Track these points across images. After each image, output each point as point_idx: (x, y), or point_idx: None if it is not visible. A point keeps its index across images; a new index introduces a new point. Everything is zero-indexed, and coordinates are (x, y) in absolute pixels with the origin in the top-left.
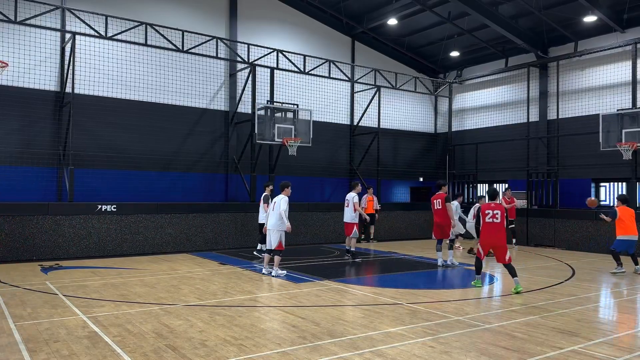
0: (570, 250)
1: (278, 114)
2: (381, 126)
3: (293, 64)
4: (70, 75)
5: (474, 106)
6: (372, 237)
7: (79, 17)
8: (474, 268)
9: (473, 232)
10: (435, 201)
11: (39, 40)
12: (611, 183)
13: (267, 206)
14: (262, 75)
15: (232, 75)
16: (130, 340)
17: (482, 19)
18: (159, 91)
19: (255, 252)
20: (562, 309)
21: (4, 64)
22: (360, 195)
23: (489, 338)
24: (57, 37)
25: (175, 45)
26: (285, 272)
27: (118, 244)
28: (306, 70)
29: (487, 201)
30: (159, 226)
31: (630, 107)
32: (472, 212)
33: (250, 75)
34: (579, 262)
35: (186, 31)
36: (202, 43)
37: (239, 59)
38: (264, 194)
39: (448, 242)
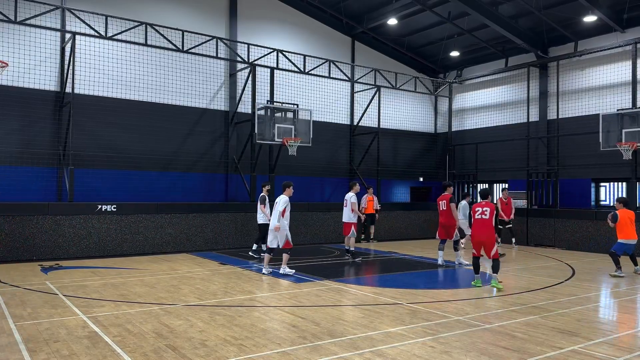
0: (570, 250)
1: (278, 114)
2: (381, 126)
3: (293, 64)
4: (70, 75)
5: (474, 106)
6: (372, 237)
7: (79, 17)
8: (468, 269)
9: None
10: (440, 202)
11: (39, 40)
12: (611, 183)
13: (264, 207)
14: (262, 75)
15: (232, 75)
16: (131, 340)
17: (482, 19)
18: (159, 91)
19: (250, 253)
20: (562, 308)
21: (4, 64)
22: (359, 195)
23: (489, 338)
24: (57, 37)
25: (175, 45)
26: (293, 271)
27: (118, 244)
28: (306, 70)
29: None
30: (159, 226)
31: (630, 107)
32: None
33: (250, 75)
34: (579, 262)
35: (186, 31)
36: (202, 43)
37: (239, 59)
38: (261, 194)
39: (453, 242)
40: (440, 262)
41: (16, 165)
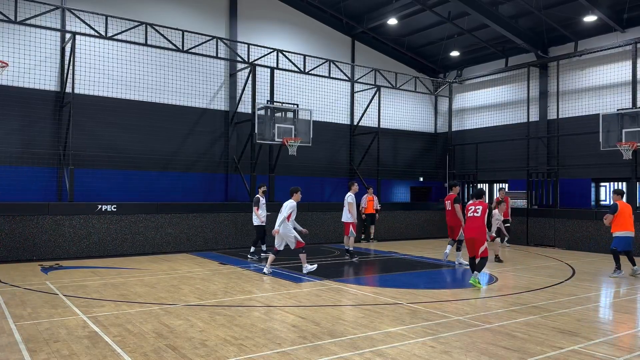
0: (571, 250)
1: (278, 114)
2: (381, 126)
3: (293, 63)
4: (70, 75)
5: (474, 106)
6: (372, 237)
7: (79, 17)
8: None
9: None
10: (446, 202)
11: (39, 40)
12: (611, 183)
13: (257, 209)
14: (262, 75)
15: (232, 75)
16: (131, 340)
17: (482, 19)
18: (159, 91)
19: (248, 256)
20: (563, 308)
21: (4, 64)
22: (359, 194)
23: (489, 338)
24: (57, 37)
25: (175, 45)
26: (315, 266)
27: (118, 244)
28: (306, 70)
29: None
30: (159, 226)
31: (630, 106)
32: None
33: (250, 75)
34: (579, 261)
35: (186, 31)
36: (202, 43)
37: (239, 58)
38: (256, 196)
39: (456, 242)
40: (444, 258)
41: (16, 165)
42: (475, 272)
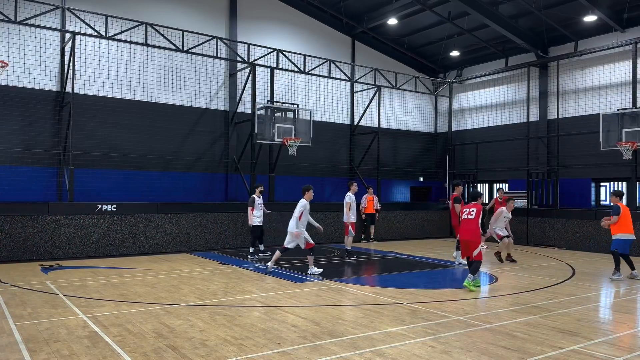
0: (571, 250)
1: (278, 114)
2: (381, 126)
3: (293, 63)
4: (70, 75)
5: (474, 106)
6: (372, 236)
7: (79, 17)
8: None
9: (500, 231)
10: (450, 202)
11: (39, 40)
12: (611, 183)
13: (253, 209)
14: (262, 75)
15: (232, 75)
16: (131, 340)
17: (482, 19)
18: (159, 91)
19: (248, 257)
20: (563, 308)
21: (4, 64)
22: (358, 194)
23: (489, 338)
24: (57, 37)
25: (175, 45)
26: (321, 270)
27: (118, 244)
28: (306, 70)
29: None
30: (159, 226)
31: (630, 106)
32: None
33: (250, 75)
34: (579, 261)
35: (186, 31)
36: (202, 43)
37: (239, 58)
38: (252, 196)
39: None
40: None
41: (16, 165)
42: (469, 275)
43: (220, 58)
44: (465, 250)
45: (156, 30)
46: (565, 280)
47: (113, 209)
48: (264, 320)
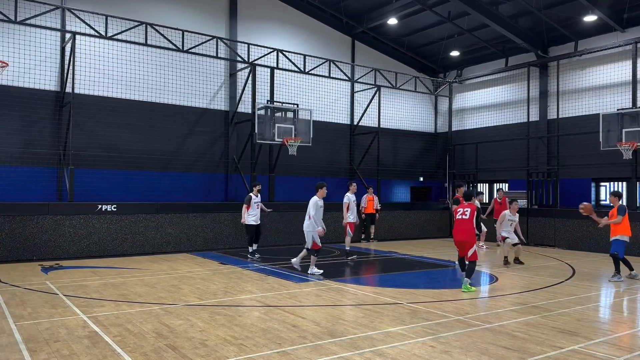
0: (571, 250)
1: (278, 114)
2: (381, 126)
3: (293, 63)
4: (70, 75)
5: (474, 106)
6: (372, 236)
7: (79, 17)
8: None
9: (504, 233)
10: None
11: (39, 40)
12: (611, 183)
13: (249, 207)
14: (262, 75)
15: (232, 75)
16: (131, 340)
17: (482, 19)
18: (159, 91)
19: (249, 256)
20: (563, 308)
21: (4, 64)
22: (358, 194)
23: (489, 338)
24: (57, 37)
25: (175, 45)
26: (321, 271)
27: (118, 243)
28: (306, 70)
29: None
30: (159, 226)
31: (631, 106)
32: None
33: (250, 75)
34: (579, 261)
35: (186, 31)
36: (202, 43)
37: (239, 58)
38: (248, 194)
39: None
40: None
41: (16, 165)
42: (465, 278)
43: (220, 58)
44: (460, 250)
45: (156, 30)
46: (566, 280)
47: (113, 209)
48: (264, 320)
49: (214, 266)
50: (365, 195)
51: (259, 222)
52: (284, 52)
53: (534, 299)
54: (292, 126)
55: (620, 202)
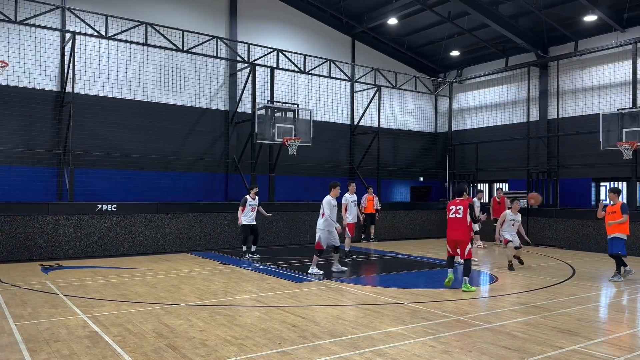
0: (571, 250)
1: (278, 114)
2: (381, 126)
3: (293, 63)
4: (70, 75)
5: (474, 106)
6: (372, 236)
7: (79, 17)
8: (476, 268)
9: (508, 236)
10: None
11: (39, 40)
12: (611, 182)
13: (244, 209)
14: (262, 75)
15: (232, 75)
16: (131, 340)
17: (482, 19)
18: (159, 91)
19: (248, 256)
20: (563, 308)
21: (4, 64)
22: (358, 194)
23: (490, 337)
24: (57, 37)
25: (175, 45)
26: (322, 272)
27: (118, 243)
28: (306, 70)
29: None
30: (159, 226)
31: (631, 106)
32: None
33: (251, 75)
34: (579, 261)
35: (186, 31)
36: (202, 43)
37: (239, 58)
38: (244, 196)
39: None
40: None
41: (16, 165)
42: (464, 277)
43: (221, 58)
44: (454, 249)
45: (156, 30)
46: (566, 280)
47: (113, 209)
48: (264, 320)
49: (214, 266)
50: (365, 195)
51: (254, 223)
52: (284, 52)
53: (534, 299)
54: (292, 126)
55: (620, 199)
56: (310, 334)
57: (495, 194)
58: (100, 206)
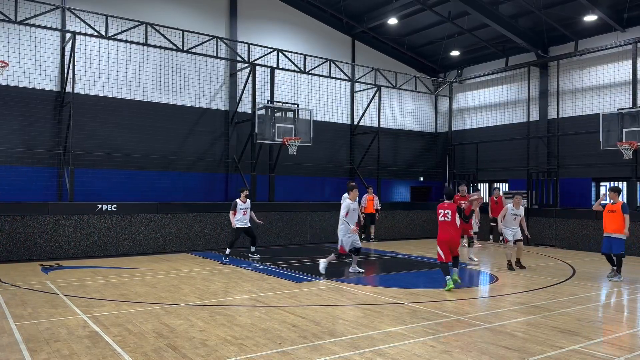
0: (571, 250)
1: (278, 114)
2: (381, 126)
3: (293, 63)
4: (70, 75)
5: (474, 105)
6: (372, 236)
7: (79, 17)
8: (476, 268)
9: (508, 235)
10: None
11: (39, 40)
12: (611, 182)
13: (235, 213)
14: (262, 74)
15: (232, 74)
16: (131, 340)
17: (482, 19)
18: (159, 91)
19: (250, 255)
20: (563, 308)
21: (4, 64)
22: (358, 194)
23: (490, 337)
24: (57, 37)
25: (175, 45)
26: (324, 273)
27: (118, 243)
28: (306, 70)
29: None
30: (160, 226)
31: (631, 106)
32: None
33: (251, 75)
34: (579, 261)
35: (186, 31)
36: (202, 43)
37: (239, 58)
38: (235, 200)
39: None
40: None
41: (16, 165)
42: (454, 269)
43: (221, 58)
44: (447, 250)
45: (156, 30)
46: (566, 280)
47: (113, 209)
48: (264, 320)
49: (214, 266)
50: (365, 195)
51: (248, 226)
52: (284, 52)
53: (534, 299)
54: (292, 126)
55: (620, 199)
56: (311, 334)
57: (493, 194)
58: (100, 206)
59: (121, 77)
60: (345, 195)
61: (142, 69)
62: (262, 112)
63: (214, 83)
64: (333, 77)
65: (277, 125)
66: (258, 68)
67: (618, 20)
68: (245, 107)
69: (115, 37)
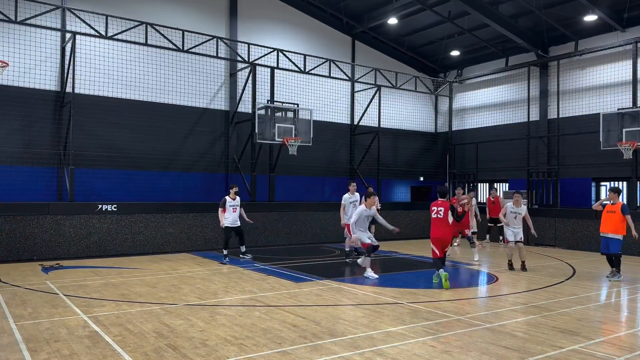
0: (571, 250)
1: (278, 114)
2: (381, 126)
3: (293, 63)
4: (70, 75)
5: (475, 105)
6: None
7: (79, 17)
8: (476, 268)
9: (509, 235)
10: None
11: (39, 40)
12: (611, 182)
13: (224, 211)
14: (263, 74)
15: (233, 74)
16: (131, 340)
17: (483, 18)
18: (159, 91)
19: (241, 255)
20: (563, 308)
21: (4, 64)
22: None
23: (490, 337)
24: (57, 37)
25: (175, 45)
26: (377, 276)
27: (118, 243)
28: (306, 70)
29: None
30: (160, 226)
31: (631, 106)
32: (502, 211)
33: (251, 75)
34: (579, 261)
35: (186, 31)
36: (203, 43)
37: (239, 58)
38: (224, 197)
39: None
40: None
41: (16, 165)
42: (439, 270)
43: (221, 58)
44: (439, 247)
45: (156, 30)
46: (566, 279)
47: (113, 209)
48: (264, 320)
49: (214, 266)
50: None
51: (237, 225)
52: (284, 52)
53: (534, 299)
54: (292, 126)
55: (620, 199)
56: (311, 333)
57: (490, 194)
58: (100, 206)
59: (121, 77)
60: (347, 195)
61: (142, 68)
62: (262, 112)
63: (214, 83)
64: (333, 77)
65: (277, 125)
66: (258, 68)
67: (618, 20)
68: (245, 107)
69: (115, 37)
